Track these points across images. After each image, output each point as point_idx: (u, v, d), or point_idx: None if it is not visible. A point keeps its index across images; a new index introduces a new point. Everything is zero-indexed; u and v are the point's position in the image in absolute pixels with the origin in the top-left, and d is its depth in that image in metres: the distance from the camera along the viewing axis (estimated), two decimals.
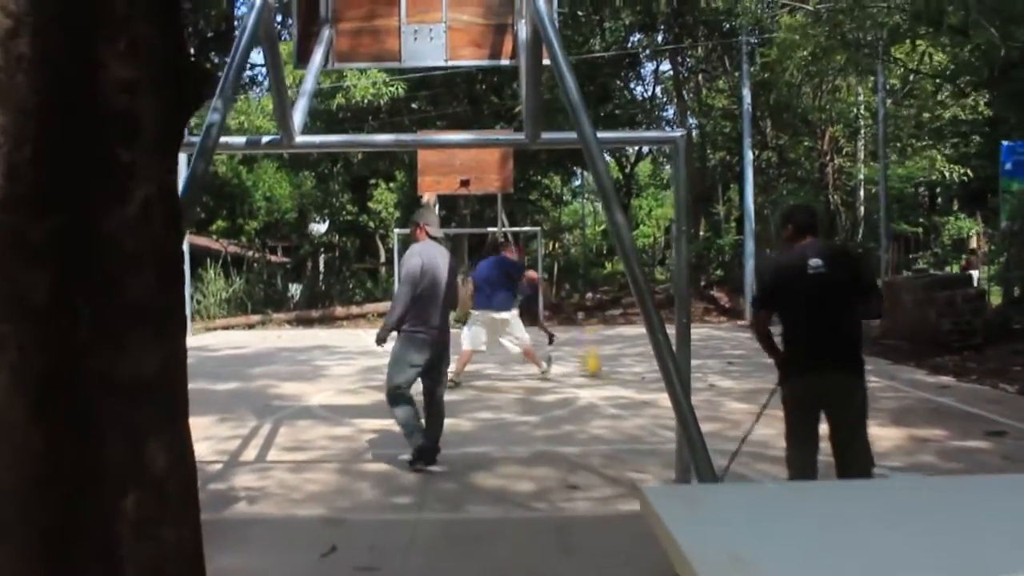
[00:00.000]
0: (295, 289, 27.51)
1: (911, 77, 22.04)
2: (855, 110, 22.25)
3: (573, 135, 5.36)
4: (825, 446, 4.81)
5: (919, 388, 10.02)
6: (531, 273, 11.86)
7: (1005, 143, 16.32)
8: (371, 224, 31.29)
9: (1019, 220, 15.90)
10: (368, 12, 6.09)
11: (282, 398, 9.93)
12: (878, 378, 10.25)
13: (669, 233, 48.59)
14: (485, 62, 6.51)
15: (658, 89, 34.80)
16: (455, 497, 5.69)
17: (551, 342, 13.70)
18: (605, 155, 4.40)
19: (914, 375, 11.12)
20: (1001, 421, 7.95)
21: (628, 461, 6.61)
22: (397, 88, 21.53)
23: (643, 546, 4.60)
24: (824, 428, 4.77)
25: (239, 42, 4.47)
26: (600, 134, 4.48)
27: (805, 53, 18.37)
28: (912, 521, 1.82)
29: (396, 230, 22.90)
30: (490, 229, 22.78)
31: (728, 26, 24.41)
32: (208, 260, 25.22)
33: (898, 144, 22.60)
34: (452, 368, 8.34)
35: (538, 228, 25.71)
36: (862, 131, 22.95)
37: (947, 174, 22.17)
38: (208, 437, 7.72)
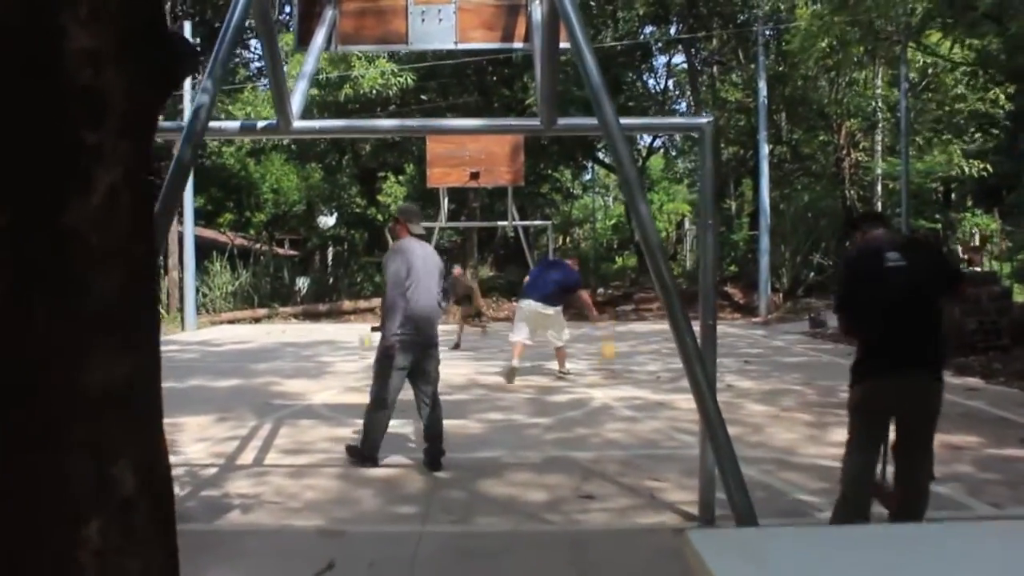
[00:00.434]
0: (303, 282, 27.20)
1: (929, 71, 21.63)
2: (873, 103, 21.78)
3: (591, 121, 5.01)
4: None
5: (947, 391, 9.62)
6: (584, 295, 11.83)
7: None
8: (380, 217, 30.94)
9: None
10: None
11: (284, 396, 9.59)
12: None
13: (680, 228, 48.23)
14: (497, 44, 6.17)
15: (670, 82, 34.45)
16: (462, 507, 5.34)
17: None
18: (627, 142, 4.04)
19: None
20: None
21: (645, 467, 6.25)
22: (406, 79, 21.18)
23: (664, 563, 4.26)
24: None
25: (229, 17, 4.12)
26: (622, 120, 4.12)
27: (823, 44, 17.98)
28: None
29: None
30: (500, 223, 22.50)
31: (743, 18, 23.99)
32: (214, 253, 24.91)
33: (917, 139, 22.14)
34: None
35: (549, 222, 25.31)
36: (880, 125, 22.46)
37: (966, 169, 21.73)
38: (204, 438, 7.40)
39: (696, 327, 4.24)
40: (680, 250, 45.86)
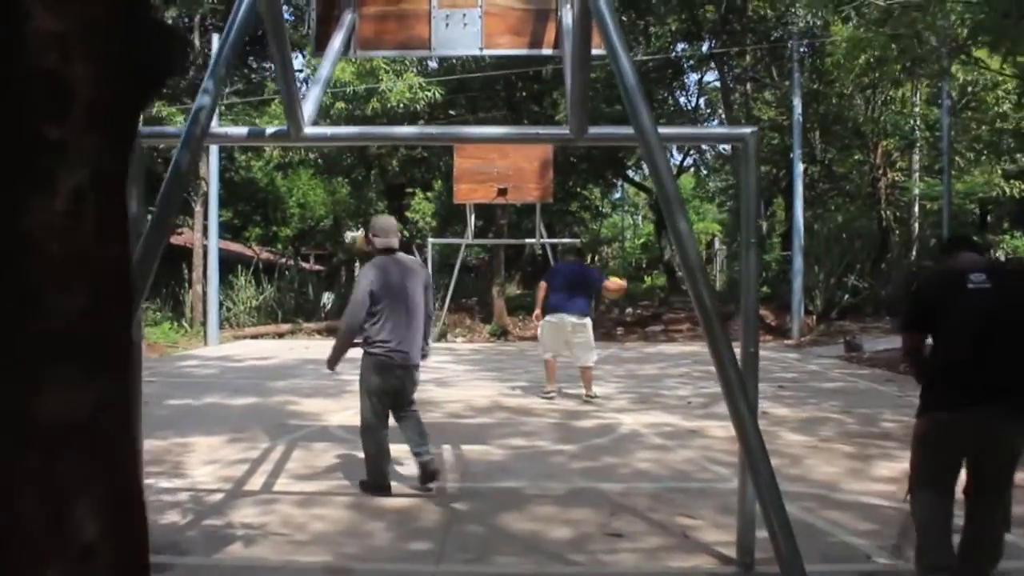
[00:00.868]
0: (328, 298, 26.97)
1: (969, 89, 21.09)
2: (911, 121, 21.26)
3: (625, 130, 4.66)
4: None
5: None
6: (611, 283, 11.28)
7: None
8: (406, 233, 30.74)
9: None
10: None
11: (300, 416, 9.26)
12: None
13: (711, 248, 47.65)
14: (525, 51, 5.81)
15: (702, 100, 34.03)
16: (480, 544, 4.95)
17: None
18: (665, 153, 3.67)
19: None
20: None
21: (677, 503, 5.84)
22: (435, 92, 20.93)
23: None
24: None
25: (234, 14, 3.80)
26: (660, 130, 3.75)
27: (861, 60, 17.52)
28: None
29: (430, 240, 22.24)
30: (528, 240, 22.17)
31: (777, 35, 23.57)
32: (239, 267, 24.74)
33: (956, 158, 21.59)
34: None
35: (577, 240, 24.94)
36: (918, 144, 21.92)
37: (1007, 190, 21.16)
38: (213, 460, 7.08)
39: (736, 352, 3.86)
40: (710, 270, 45.28)
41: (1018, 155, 21.81)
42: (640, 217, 50.84)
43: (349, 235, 33.16)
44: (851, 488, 6.25)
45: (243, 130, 4.55)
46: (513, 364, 15.24)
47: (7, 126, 1.59)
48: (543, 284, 11.05)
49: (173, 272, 24.28)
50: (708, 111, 33.58)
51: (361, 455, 6.89)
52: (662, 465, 7.00)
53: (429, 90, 20.77)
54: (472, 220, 20.30)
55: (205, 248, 21.35)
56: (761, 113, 25.99)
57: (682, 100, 31.67)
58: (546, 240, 21.36)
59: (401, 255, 6.17)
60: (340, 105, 20.43)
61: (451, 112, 23.51)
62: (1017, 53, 10.36)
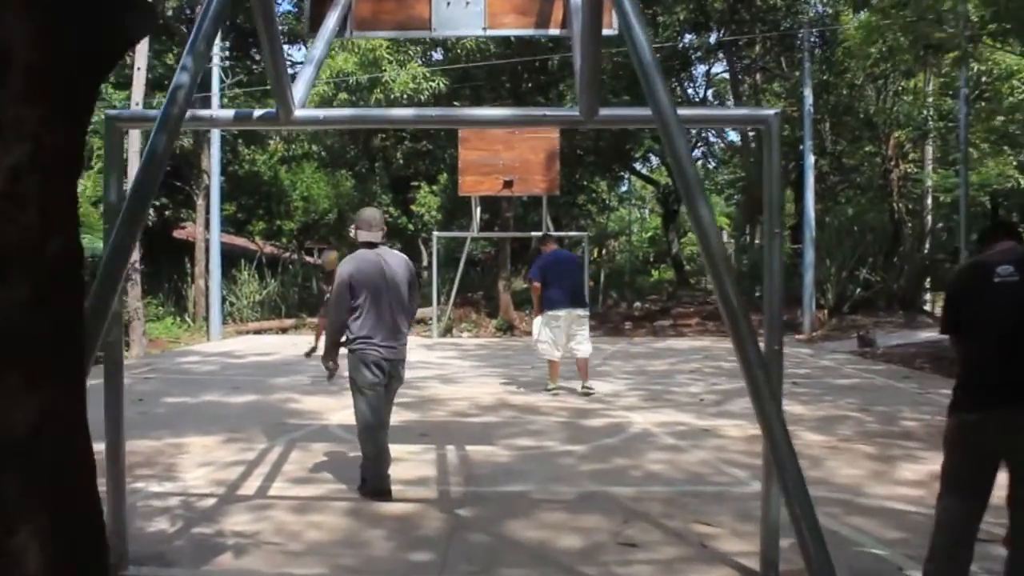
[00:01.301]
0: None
1: (983, 79, 20.70)
2: (924, 112, 20.86)
3: (639, 111, 4.36)
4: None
5: None
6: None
7: None
8: (411, 227, 30.38)
9: None
10: None
11: (300, 415, 8.97)
12: None
13: None
14: (531, 31, 5.52)
15: (709, 92, 33.65)
16: (485, 554, 4.65)
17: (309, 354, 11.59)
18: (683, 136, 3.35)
19: None
20: None
21: (693, 508, 5.53)
22: (439, 83, 20.59)
23: None
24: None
25: None
26: (679, 111, 3.44)
27: (874, 50, 17.20)
28: None
29: (435, 233, 21.93)
30: (534, 234, 21.84)
31: (787, 24, 23.18)
32: (243, 261, 24.46)
33: (970, 149, 21.20)
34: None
35: (585, 234, 24.60)
36: (931, 135, 21.50)
37: (1022, 182, 20.76)
38: (207, 462, 6.79)
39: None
40: None
41: None
42: (647, 211, 50.47)
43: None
44: (876, 492, 5.94)
45: (229, 113, 4.24)
46: (520, 360, 14.92)
47: None
48: (536, 283, 10.69)
49: (176, 266, 24.03)
50: (716, 102, 33.23)
51: (358, 457, 6.63)
52: (675, 467, 6.69)
53: (433, 80, 20.44)
54: (478, 213, 19.98)
55: (207, 242, 21.07)
56: (770, 104, 25.59)
57: (690, 91, 31.30)
58: (552, 234, 21.01)
59: (384, 249, 5.94)
60: (343, 96, 20.09)
61: (455, 103, 23.11)
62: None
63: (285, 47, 27.09)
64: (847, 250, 21.13)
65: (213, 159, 20.30)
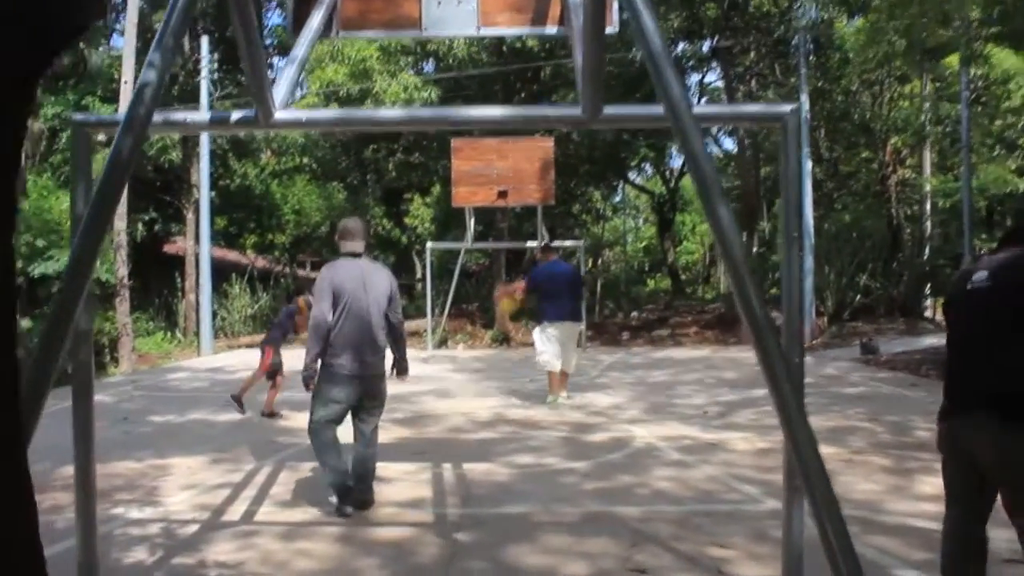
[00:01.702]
0: None
1: (979, 83, 20.51)
2: (923, 116, 20.65)
3: (647, 109, 4.08)
4: None
5: None
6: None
7: None
8: (404, 239, 30.11)
9: None
10: None
11: (290, 433, 8.62)
12: None
13: (714, 250, 47.06)
14: (527, 29, 5.23)
15: (703, 102, 33.45)
16: None
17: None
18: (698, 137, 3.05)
19: None
20: None
21: (705, 529, 5.22)
22: (430, 93, 20.33)
23: None
24: None
25: None
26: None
27: (870, 55, 16.95)
28: None
29: (429, 244, 21.63)
30: (529, 243, 21.56)
31: (781, 29, 22.98)
32: (234, 275, 24.13)
33: (972, 154, 20.99)
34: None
35: (581, 242, 24.28)
36: (929, 140, 21.27)
37: (1021, 186, 20.53)
38: (191, 485, 6.46)
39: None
40: (714, 272, 44.71)
41: None
42: (642, 220, 50.27)
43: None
44: (896, 508, 5.64)
45: (204, 115, 3.95)
46: (517, 372, 14.61)
47: None
48: (522, 287, 11.00)
49: (166, 281, 23.71)
50: None
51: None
52: (683, 484, 6.37)
53: (425, 91, 20.18)
54: (472, 224, 19.69)
55: (198, 256, 20.76)
56: (742, 125, 25.35)
57: None
58: (554, 244, 20.73)
59: (365, 261, 5.74)
60: (333, 107, 19.84)
61: (448, 128, 22.90)
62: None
63: (276, 60, 26.77)
64: (846, 257, 20.90)
65: (203, 172, 20.01)
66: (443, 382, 13.22)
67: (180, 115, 3.99)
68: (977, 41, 13.52)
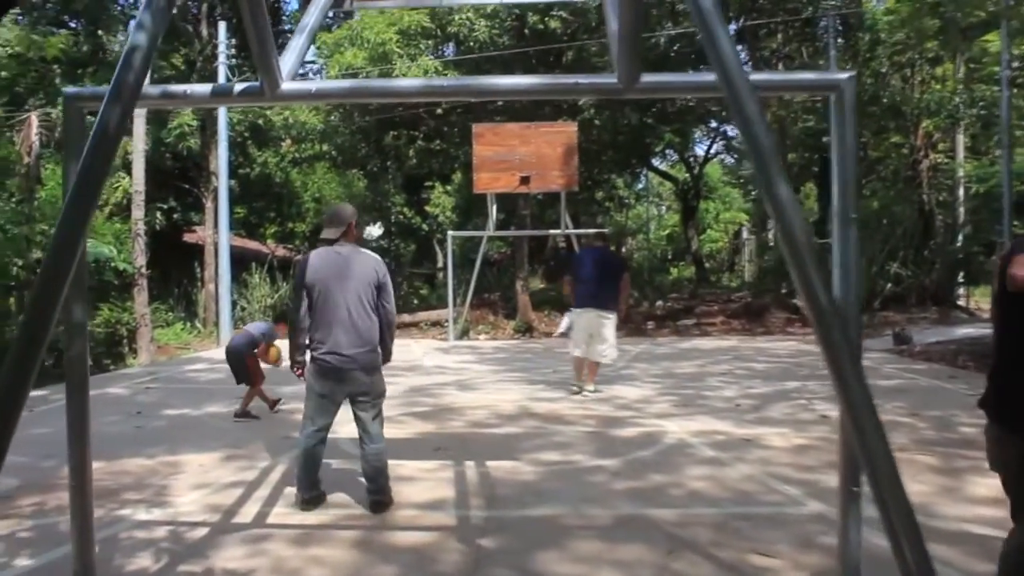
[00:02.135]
0: None
1: (1015, 64, 19.87)
2: (956, 99, 20.03)
3: (688, 77, 3.71)
4: None
5: None
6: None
7: None
8: (425, 227, 29.83)
9: None
10: None
11: None
12: None
13: (738, 238, 46.46)
14: None
15: None
16: None
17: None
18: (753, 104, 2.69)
19: None
20: None
21: (746, 534, 4.86)
22: (451, 77, 19.97)
23: None
24: None
25: None
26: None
27: (902, 35, 16.46)
28: None
29: (451, 233, 21.31)
30: (553, 231, 21.24)
31: (809, 10, 22.41)
32: (254, 264, 23.91)
33: (1005, 137, 20.37)
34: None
35: (605, 231, 23.85)
36: (963, 123, 20.64)
37: None
38: (203, 484, 6.16)
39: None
40: (739, 261, 44.17)
41: None
42: (664, 208, 49.74)
43: (368, 230, 32.25)
44: (949, 513, 5.26)
45: (205, 88, 3.61)
46: (541, 363, 14.28)
47: None
48: (568, 279, 10.70)
49: (186, 270, 23.53)
50: None
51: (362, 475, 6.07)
52: (720, 484, 6.01)
53: (445, 74, 19.81)
54: (494, 211, 19.34)
55: (217, 245, 20.54)
56: (792, 95, 24.79)
57: None
58: (572, 231, 20.35)
59: (350, 248, 5.40)
60: None
61: (470, 99, 22.52)
62: None
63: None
64: (876, 244, 20.36)
65: (221, 159, 19.75)
66: (465, 374, 12.91)
67: (180, 88, 3.67)
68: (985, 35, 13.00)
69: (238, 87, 3.61)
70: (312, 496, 5.47)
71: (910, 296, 20.49)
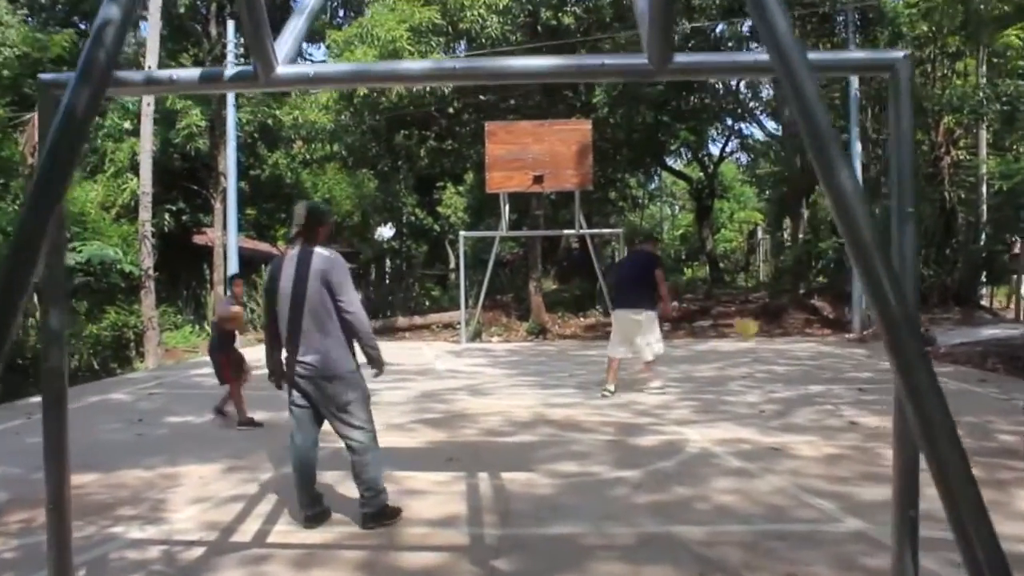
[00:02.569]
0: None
1: None
2: (980, 94, 19.55)
3: (725, 57, 3.36)
4: None
5: None
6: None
7: None
8: (437, 228, 29.51)
9: None
10: None
11: None
12: None
13: (753, 237, 45.99)
14: None
15: (741, 84, 32.43)
16: None
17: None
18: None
19: None
20: None
21: (781, 554, 4.49)
22: None
23: None
24: None
25: None
26: None
27: (923, 30, 16.04)
28: None
29: (462, 233, 20.98)
30: (567, 231, 20.87)
31: (827, 5, 21.97)
32: (264, 266, 23.62)
33: None
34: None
35: (620, 230, 23.45)
36: (987, 118, 20.14)
37: None
38: (202, 498, 5.84)
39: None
40: (753, 260, 43.69)
41: None
42: (678, 207, 49.32)
43: (380, 231, 31.96)
44: (1001, 531, 4.84)
45: (194, 72, 3.28)
46: (555, 367, 13.93)
47: None
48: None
49: (195, 273, 23.28)
50: (747, 93, 31.97)
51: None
52: (748, 498, 5.64)
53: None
54: (506, 210, 18.99)
55: (226, 247, 20.26)
56: (844, 76, 24.33)
57: (718, 85, 29.99)
58: (586, 231, 19.98)
59: (298, 249, 5.02)
60: (362, 90, 19.23)
61: (481, 97, 22.21)
62: None
63: (304, 45, 26.27)
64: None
65: (229, 160, 19.47)
66: (477, 377, 12.57)
67: (165, 73, 3.34)
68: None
69: (229, 71, 3.28)
70: (314, 513, 5.15)
71: (932, 296, 20.03)
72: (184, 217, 24.50)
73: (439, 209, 29.52)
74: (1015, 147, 20.75)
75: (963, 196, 21.46)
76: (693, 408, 9.29)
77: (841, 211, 2.29)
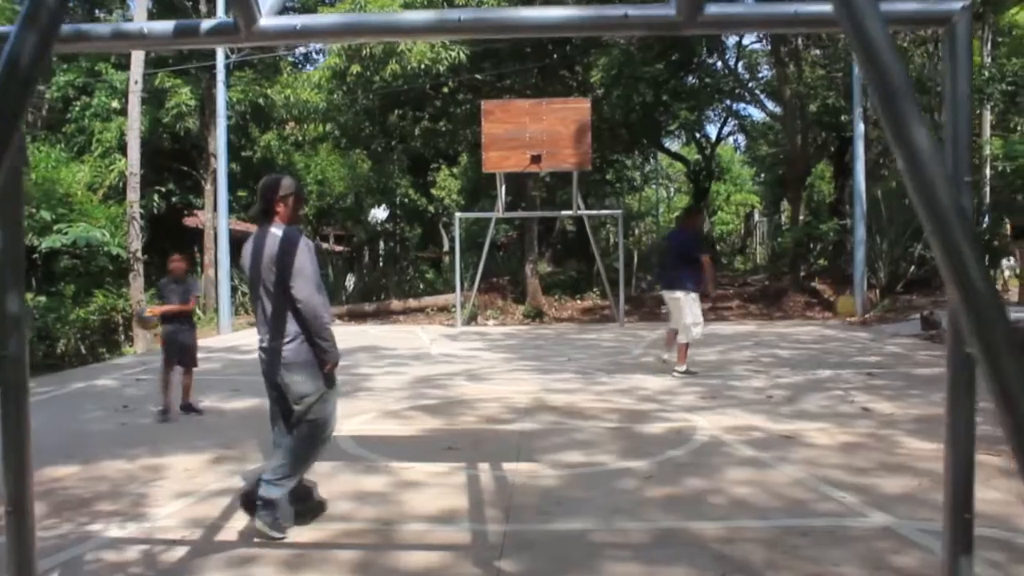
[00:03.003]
0: (350, 280, 25.45)
1: None
2: (985, 73, 19.24)
3: (763, 8, 3.00)
4: None
5: None
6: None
7: None
8: (430, 210, 29.11)
9: None
10: None
11: None
12: None
13: (750, 220, 45.72)
14: None
15: (740, 64, 32.02)
16: None
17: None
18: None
19: None
20: None
21: (804, 553, 4.18)
22: (459, 53, 19.21)
23: None
24: None
25: None
26: (814, 6, 2.13)
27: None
28: None
29: (457, 214, 20.62)
30: (565, 213, 20.50)
31: None
32: None
33: None
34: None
35: (620, 211, 23.06)
36: (992, 97, 19.82)
37: None
38: (186, 492, 5.50)
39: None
40: (750, 243, 43.45)
41: None
42: (674, 190, 48.99)
43: (373, 213, 31.54)
44: None
45: (167, 25, 2.92)
46: (554, 350, 13.62)
47: None
48: None
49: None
50: (746, 74, 31.55)
51: (374, 482, 5.51)
52: (766, 491, 5.33)
53: (453, 50, 19.05)
54: (503, 191, 18.62)
55: (216, 229, 19.87)
56: (811, 72, 24.03)
57: (718, 64, 29.53)
58: (584, 212, 19.61)
59: (265, 228, 4.61)
60: (356, 68, 18.79)
61: (477, 76, 21.77)
62: None
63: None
64: (898, 226, 19.61)
65: (219, 140, 19.05)
66: (474, 362, 12.25)
67: (135, 26, 2.99)
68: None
69: (206, 24, 2.92)
70: (303, 508, 4.81)
71: (935, 278, 19.75)
72: (174, 199, 24.08)
73: (433, 191, 29.14)
74: (1019, 127, 20.44)
75: (966, 177, 21.15)
76: (699, 394, 8.98)
77: (914, 172, 1.97)
